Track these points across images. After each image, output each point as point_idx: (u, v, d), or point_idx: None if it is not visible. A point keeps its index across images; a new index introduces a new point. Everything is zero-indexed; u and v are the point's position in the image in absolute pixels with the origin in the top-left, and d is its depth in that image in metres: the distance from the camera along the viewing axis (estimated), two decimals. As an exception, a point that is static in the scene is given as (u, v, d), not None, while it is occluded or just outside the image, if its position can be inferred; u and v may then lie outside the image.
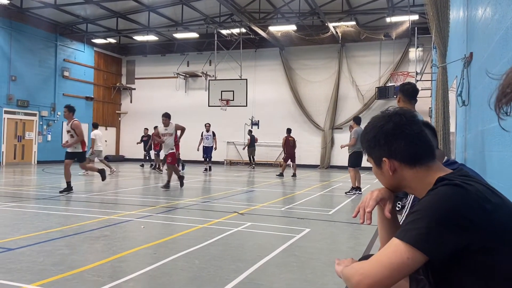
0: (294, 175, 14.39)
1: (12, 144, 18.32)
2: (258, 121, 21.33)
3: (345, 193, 9.44)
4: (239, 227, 5.37)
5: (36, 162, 19.10)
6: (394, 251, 1.17)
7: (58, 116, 20.21)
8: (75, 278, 3.22)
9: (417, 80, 12.79)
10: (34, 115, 19.23)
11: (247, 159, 20.01)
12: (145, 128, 18.53)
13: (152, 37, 20.95)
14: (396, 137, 1.33)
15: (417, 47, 15.51)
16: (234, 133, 21.94)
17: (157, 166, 16.01)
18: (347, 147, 9.82)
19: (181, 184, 9.99)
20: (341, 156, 19.09)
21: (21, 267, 3.47)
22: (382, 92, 17.97)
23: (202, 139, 15.88)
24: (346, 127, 19.91)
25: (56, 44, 20.21)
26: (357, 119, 10.22)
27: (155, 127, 16.20)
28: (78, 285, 3.07)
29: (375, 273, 1.19)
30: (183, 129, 10.24)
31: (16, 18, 17.95)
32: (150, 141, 17.03)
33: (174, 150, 9.90)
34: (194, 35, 20.35)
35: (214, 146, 15.91)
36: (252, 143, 19.33)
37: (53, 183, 10.82)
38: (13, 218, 5.86)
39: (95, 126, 14.02)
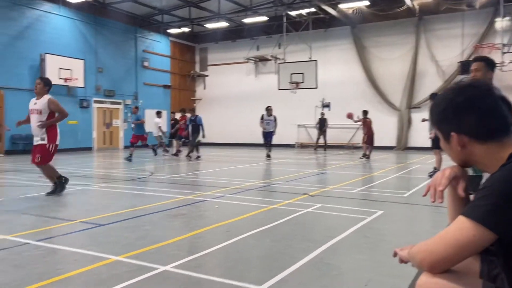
0: (368, 156, 14.00)
1: (102, 131, 20.05)
2: (330, 102, 20.94)
3: (428, 174, 8.98)
4: (310, 208, 5.41)
5: (123, 147, 20.70)
6: (460, 228, 1.14)
7: (140, 104, 21.62)
8: (157, 252, 3.51)
9: (504, 52, 11.63)
10: (119, 103, 20.78)
11: (321, 141, 19.85)
12: (171, 113, 18.74)
13: (222, 24, 21.39)
14: (467, 111, 1.25)
15: (504, 16, 14.04)
16: (305, 116, 21.79)
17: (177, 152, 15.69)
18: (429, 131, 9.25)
19: (56, 190, 6.35)
20: (420, 137, 18.14)
21: (110, 240, 3.85)
22: (465, 67, 16.56)
23: (262, 122, 14.73)
24: (425, 105, 18.82)
25: (135, 36, 21.50)
26: (434, 96, 9.55)
27: (182, 110, 16.66)
28: (160, 258, 3.34)
29: (439, 250, 1.17)
30: (62, 113, 6.52)
31: (99, 13, 19.37)
32: (177, 125, 16.50)
33: (46, 142, 6.24)
34: (263, 18, 20.39)
35: (273, 131, 14.93)
36: (323, 127, 19.28)
37: (138, 166, 11.69)
38: (103, 197, 6.49)
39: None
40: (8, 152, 15.87)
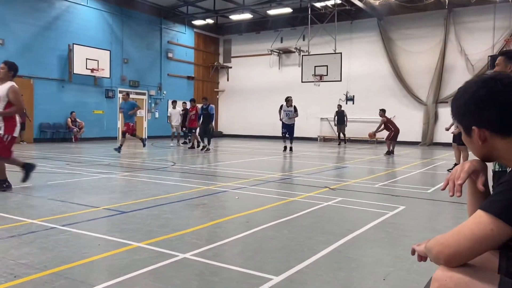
0: (393, 151, 13.79)
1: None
2: (353, 96, 20.68)
3: (448, 170, 8.81)
4: (330, 201, 5.38)
5: (146, 137, 21.04)
6: (477, 222, 1.13)
7: (164, 95, 21.91)
8: (177, 239, 3.57)
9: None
10: (144, 94, 21.10)
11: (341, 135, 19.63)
12: (183, 103, 17.63)
13: (247, 15, 21.34)
14: (489, 105, 1.23)
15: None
16: (328, 109, 21.58)
17: (192, 144, 14.96)
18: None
19: (24, 178, 6.03)
20: (446, 133, 17.68)
21: (132, 227, 3.94)
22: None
23: (280, 112, 13.93)
24: (452, 100, 18.33)
25: (161, 28, 21.72)
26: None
27: (192, 101, 15.13)
28: (180, 245, 3.40)
29: (455, 244, 1.15)
30: (18, 106, 5.76)
31: (125, 4, 19.65)
32: (188, 115, 15.31)
33: (2, 132, 5.66)
34: (288, 10, 20.22)
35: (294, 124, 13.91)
36: (340, 120, 18.98)
37: (161, 155, 11.87)
38: (126, 185, 6.63)
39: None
40: (36, 140, 16.40)
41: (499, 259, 1.36)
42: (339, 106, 19.53)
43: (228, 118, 25.39)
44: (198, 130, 14.92)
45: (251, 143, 19.00)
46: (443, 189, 1.45)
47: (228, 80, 25.66)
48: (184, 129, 16.47)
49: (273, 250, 3.38)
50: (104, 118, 19.04)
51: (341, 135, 19.38)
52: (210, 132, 13.86)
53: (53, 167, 8.55)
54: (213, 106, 14.36)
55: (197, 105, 15.21)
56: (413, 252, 1.45)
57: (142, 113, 21.11)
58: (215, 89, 25.88)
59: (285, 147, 13.89)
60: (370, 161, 11.49)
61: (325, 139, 21.82)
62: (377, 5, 18.41)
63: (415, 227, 4.26)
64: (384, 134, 20.40)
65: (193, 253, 3.18)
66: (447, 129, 9.72)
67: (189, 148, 14.75)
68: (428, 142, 19.22)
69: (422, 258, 1.42)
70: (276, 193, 6.06)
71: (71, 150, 13.57)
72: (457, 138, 8.80)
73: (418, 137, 19.58)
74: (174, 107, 16.55)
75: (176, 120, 16.26)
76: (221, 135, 25.20)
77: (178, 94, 22.53)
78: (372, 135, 14.37)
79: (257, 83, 23.85)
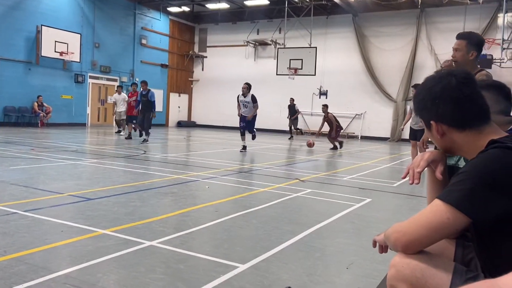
0: (340, 146, 13.17)
1: (96, 107, 19.92)
2: (327, 90, 20.92)
3: None
4: (299, 193, 5.45)
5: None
6: (434, 211, 1.16)
7: (136, 81, 21.43)
8: (144, 227, 3.53)
9: (504, 48, 11.63)
10: (115, 80, 20.59)
11: (314, 129, 19.72)
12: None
13: (223, 5, 21.12)
14: (444, 100, 1.28)
15: (506, 11, 13.98)
16: (302, 103, 21.73)
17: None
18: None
19: None
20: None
21: (98, 215, 3.87)
22: (464, 62, 16.58)
23: (238, 105, 11.49)
24: (421, 98, 18.85)
25: (135, 13, 21.19)
26: (417, 86, 9.41)
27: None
28: (146, 233, 3.36)
29: (412, 231, 1.19)
30: None
31: (99, -12, 19.06)
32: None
33: None
34: (265, 1, 20.14)
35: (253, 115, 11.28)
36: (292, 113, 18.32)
37: (131, 143, 11.66)
38: (94, 172, 6.48)
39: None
40: (0, 124, 15.75)
41: (455, 247, 1.42)
42: (292, 99, 18.60)
43: (202, 108, 25.17)
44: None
45: (224, 134, 18.92)
46: (404, 177, 1.50)
47: (203, 69, 25.39)
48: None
49: (240, 239, 3.40)
50: (72, 103, 18.49)
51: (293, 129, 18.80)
52: (149, 121, 12.23)
53: (17, 152, 8.25)
54: (154, 92, 12.52)
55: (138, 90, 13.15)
56: (375, 244, 1.50)
57: (112, 99, 20.59)
58: (190, 79, 25.57)
59: (244, 147, 10.90)
60: (340, 155, 11.69)
61: (297, 132, 21.96)
62: (353, 2, 18.60)
63: (380, 219, 4.37)
64: (354, 128, 20.81)
65: (160, 241, 3.16)
66: (402, 129, 9.92)
67: (125, 138, 13.04)
68: (396, 138, 19.71)
69: (384, 249, 1.47)
70: (247, 184, 6.08)
71: (36, 135, 13.12)
72: (414, 135, 9.09)
73: (387, 133, 20.05)
74: (119, 93, 14.94)
75: (121, 106, 14.52)
76: (195, 125, 24.98)
77: (151, 81, 22.03)
78: (312, 144, 12.89)
79: (232, 74, 23.71)
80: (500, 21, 16.94)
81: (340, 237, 3.60)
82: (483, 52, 15.70)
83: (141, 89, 12.40)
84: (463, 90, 1.26)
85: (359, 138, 20.38)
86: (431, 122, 1.32)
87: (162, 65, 23.34)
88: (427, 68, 19.15)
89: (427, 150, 1.46)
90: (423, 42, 19.27)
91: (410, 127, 9.11)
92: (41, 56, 16.80)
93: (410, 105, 9.29)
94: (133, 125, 13.60)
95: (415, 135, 8.79)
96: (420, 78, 19.20)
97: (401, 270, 1.23)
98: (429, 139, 1.49)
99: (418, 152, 8.95)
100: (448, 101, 1.27)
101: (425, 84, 1.36)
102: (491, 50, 15.82)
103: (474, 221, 1.13)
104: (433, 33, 19.09)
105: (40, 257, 2.74)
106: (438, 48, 18.87)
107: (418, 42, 19.31)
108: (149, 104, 12.17)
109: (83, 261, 2.69)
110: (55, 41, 17.02)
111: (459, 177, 1.16)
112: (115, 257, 2.79)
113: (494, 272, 1.18)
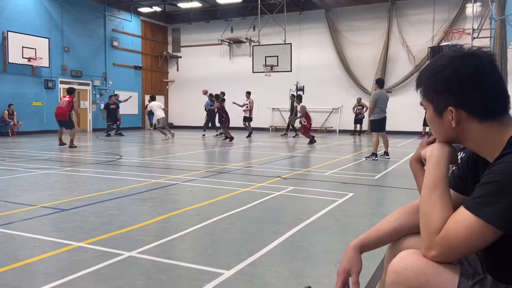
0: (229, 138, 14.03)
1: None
2: (303, 86, 20.94)
3: (365, 158, 9.17)
4: (282, 191, 5.38)
5: (91, 129, 20.10)
6: (471, 228, 1.05)
7: (109, 85, 20.97)
8: (122, 237, 3.38)
9: (474, 38, 11.87)
10: (87, 84, 20.06)
11: (296, 125, 19.71)
12: (113, 96, 17.78)
13: (196, 4, 20.85)
14: (473, 85, 1.11)
15: (475, 1, 14.28)
16: (280, 99, 21.73)
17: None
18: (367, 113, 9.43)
19: None
20: (389, 121, 18.37)
21: (73, 226, 3.69)
22: (435, 52, 16.82)
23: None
24: (396, 90, 19.11)
25: (104, 15, 20.69)
26: (379, 82, 9.54)
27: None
28: (125, 243, 3.22)
29: (444, 251, 1.09)
30: None
31: (66, -10, 18.49)
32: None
33: None
34: (238, -1, 20.01)
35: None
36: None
37: (107, 149, 11.36)
38: (67, 181, 6.24)
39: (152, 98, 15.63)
40: (-32, 135, 15.11)
41: None
42: (292, 96, 19.06)
43: (179, 109, 24.83)
44: None
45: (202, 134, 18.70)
46: None
47: (178, 70, 25.05)
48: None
49: (224, 243, 3.29)
50: (43, 110, 17.89)
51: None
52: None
53: (-14, 164, 7.89)
54: (209, 101, 15.59)
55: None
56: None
57: (85, 104, 20.11)
58: (165, 80, 25.19)
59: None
60: (319, 150, 11.70)
61: (277, 129, 21.98)
62: (325, -4, 18.67)
63: (363, 213, 4.34)
64: (332, 123, 20.93)
65: (139, 251, 3.02)
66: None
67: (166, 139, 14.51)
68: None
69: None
70: (228, 184, 5.97)
71: (7, 144, 12.63)
72: (375, 126, 9.24)
73: (365, 126, 20.24)
74: (153, 100, 15.72)
75: (160, 112, 15.35)
76: (172, 126, 24.61)
77: (125, 84, 21.69)
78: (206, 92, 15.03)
79: (208, 73, 23.48)
80: (468, 11, 17.30)
81: (325, 235, 3.54)
82: (454, 42, 16.02)
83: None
84: (493, 75, 1.12)
85: (337, 132, 20.52)
86: (450, 108, 1.14)
87: (136, 67, 22.89)
88: (400, 61, 19.44)
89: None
90: (395, 35, 19.52)
91: (380, 119, 9.20)
92: (8, 62, 16.18)
93: (373, 94, 9.36)
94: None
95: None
96: (393, 70, 19.51)
97: (403, 275, 1.13)
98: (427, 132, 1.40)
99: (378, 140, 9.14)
100: (478, 86, 1.11)
101: (448, 63, 1.15)
102: (461, 40, 16.14)
103: (508, 235, 1.04)
104: (404, 25, 19.36)
105: (12, 276, 2.57)
106: (410, 40, 19.17)
107: (390, 35, 19.55)
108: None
109: (58, 277, 2.53)
110: (23, 47, 16.42)
111: (490, 187, 1.04)
112: (92, 271, 2.64)
113: (500, 273, 1.12)
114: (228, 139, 14.21)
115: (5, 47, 16.05)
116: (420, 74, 1.24)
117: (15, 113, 16.23)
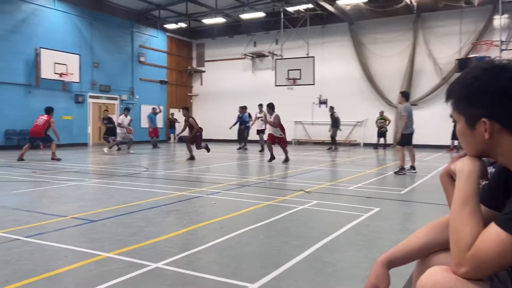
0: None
1: (97, 126, 19.88)
2: (326, 99, 20.90)
3: (394, 172, 8.98)
4: (305, 205, 5.35)
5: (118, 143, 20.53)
6: (501, 245, 1.04)
7: (136, 99, 21.50)
8: (149, 248, 3.44)
9: (502, 50, 11.60)
10: (115, 99, 20.63)
11: (315, 138, 19.63)
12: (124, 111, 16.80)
13: (220, 19, 21.26)
14: (507, 98, 1.12)
15: (502, 13, 14.01)
16: (302, 113, 21.72)
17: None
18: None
19: None
20: (416, 134, 18.05)
21: (102, 237, 3.78)
22: (463, 64, 16.53)
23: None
24: (422, 103, 18.83)
25: (132, 31, 21.33)
26: (406, 94, 9.39)
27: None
28: (152, 254, 3.27)
29: (483, 266, 1.08)
30: None
31: (95, 7, 19.19)
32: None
33: None
34: (261, 14, 20.27)
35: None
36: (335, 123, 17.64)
37: (133, 161, 11.60)
38: (96, 193, 6.41)
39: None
40: (1, 148, 15.73)
41: None
42: (331, 108, 18.17)
43: (202, 122, 24.86)
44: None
45: (226, 147, 18.86)
46: None
47: (201, 84, 25.45)
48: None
49: (248, 256, 3.30)
50: (73, 124, 18.48)
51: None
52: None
53: (19, 175, 8.19)
54: (247, 115, 17.56)
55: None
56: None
57: (113, 118, 20.60)
58: (189, 93, 25.62)
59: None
60: (344, 164, 11.59)
61: (299, 143, 21.93)
62: (348, 10, 18.69)
63: (389, 229, 4.27)
64: (356, 136, 20.70)
65: (166, 262, 3.07)
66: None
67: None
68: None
69: None
70: (251, 197, 5.99)
71: (39, 157, 13.08)
72: (406, 140, 9.08)
73: (390, 139, 19.95)
74: (126, 116, 16.00)
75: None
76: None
77: (151, 98, 22.16)
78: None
79: (231, 87, 23.76)
80: (496, 22, 16.97)
81: (351, 250, 3.50)
82: (482, 54, 15.71)
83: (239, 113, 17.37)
84: None
85: (362, 145, 20.29)
86: (483, 119, 1.14)
87: (161, 82, 23.41)
88: (426, 73, 19.15)
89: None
90: (421, 47, 19.29)
91: (412, 133, 9.08)
92: (40, 78, 16.85)
93: (403, 107, 9.20)
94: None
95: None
96: (420, 83, 19.23)
97: None
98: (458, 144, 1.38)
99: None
100: (511, 98, 1.11)
101: (481, 75, 1.16)
102: (489, 52, 15.80)
103: None
104: (430, 37, 19.12)
105: (44, 285, 2.65)
106: (436, 52, 18.89)
107: (416, 47, 19.33)
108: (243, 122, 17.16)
109: (88, 287, 2.60)
110: (54, 63, 17.09)
111: None
112: (120, 281, 2.69)
113: None
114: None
115: (38, 63, 16.73)
116: (451, 86, 1.25)
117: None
